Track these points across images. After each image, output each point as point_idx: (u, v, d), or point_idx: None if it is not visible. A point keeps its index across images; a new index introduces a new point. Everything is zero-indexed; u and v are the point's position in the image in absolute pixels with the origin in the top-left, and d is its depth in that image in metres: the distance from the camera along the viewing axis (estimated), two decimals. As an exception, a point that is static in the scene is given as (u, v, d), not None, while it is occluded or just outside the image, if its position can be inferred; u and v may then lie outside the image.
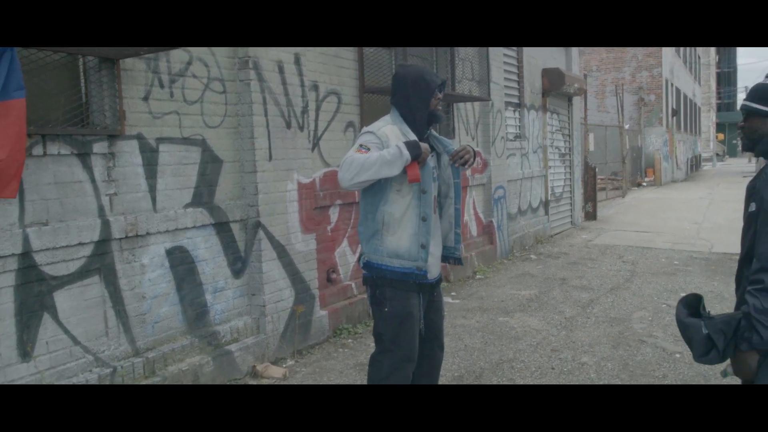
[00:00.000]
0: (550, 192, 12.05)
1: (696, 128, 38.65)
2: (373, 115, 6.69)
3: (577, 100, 13.40)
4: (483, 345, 5.79)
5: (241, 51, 4.96)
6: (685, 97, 33.20)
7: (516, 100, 10.59)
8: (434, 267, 3.27)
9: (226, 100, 4.94)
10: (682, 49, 31.59)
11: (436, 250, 3.28)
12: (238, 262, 5.04)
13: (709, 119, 48.49)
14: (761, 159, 2.47)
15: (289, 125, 5.34)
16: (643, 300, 7.36)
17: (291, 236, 5.36)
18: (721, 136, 53.84)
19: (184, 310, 4.61)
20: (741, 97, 65.86)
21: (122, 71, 4.12)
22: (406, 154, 2.98)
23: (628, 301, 7.34)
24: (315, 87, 5.79)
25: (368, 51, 6.61)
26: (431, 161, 3.21)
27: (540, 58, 11.43)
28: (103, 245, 4.05)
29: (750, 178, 2.53)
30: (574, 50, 13.28)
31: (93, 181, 4.01)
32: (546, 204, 11.88)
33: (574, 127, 13.33)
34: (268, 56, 5.12)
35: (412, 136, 3.15)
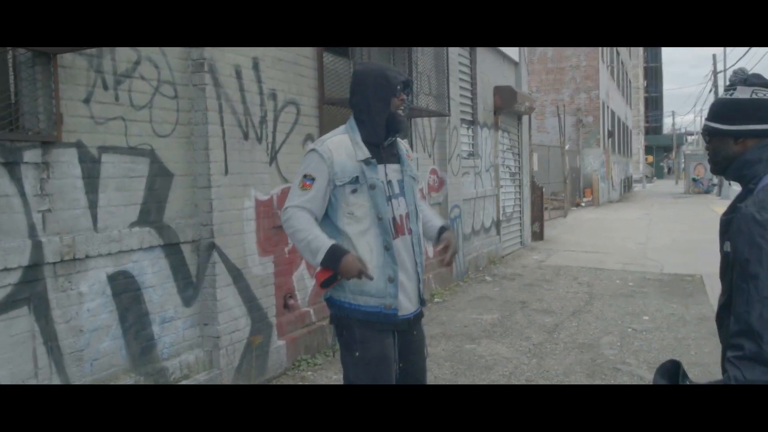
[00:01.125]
0: (501, 211, 11.83)
1: (628, 150, 39.70)
2: (332, 127, 6.24)
3: (526, 119, 13.29)
4: (453, 376, 5.38)
5: (195, 52, 4.45)
6: (619, 119, 34.04)
7: (470, 117, 10.34)
8: (407, 302, 2.80)
9: (178, 106, 4.41)
10: (615, 71, 32.41)
11: (408, 282, 2.80)
12: (189, 289, 4.49)
13: (639, 142, 50.01)
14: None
15: (246, 136, 4.84)
16: (607, 324, 7.12)
17: (248, 259, 4.83)
18: (650, 158, 55.61)
19: (127, 344, 4.02)
20: (667, 121, 68.43)
21: (60, 68, 3.55)
22: (318, 260, 2.63)
23: (592, 325, 7.08)
24: (273, 96, 5.31)
25: (328, 59, 6.18)
26: (394, 173, 2.80)
27: (492, 75, 11.24)
28: (33, 271, 3.45)
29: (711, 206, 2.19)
30: (524, 68, 13.19)
31: (23, 195, 3.42)
32: (498, 224, 11.65)
33: (524, 147, 13.20)
34: (224, 59, 4.62)
35: (362, 149, 2.74)
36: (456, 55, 9.16)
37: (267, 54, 5.14)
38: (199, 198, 4.51)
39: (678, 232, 15.85)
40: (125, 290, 4.00)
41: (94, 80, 3.80)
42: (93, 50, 3.74)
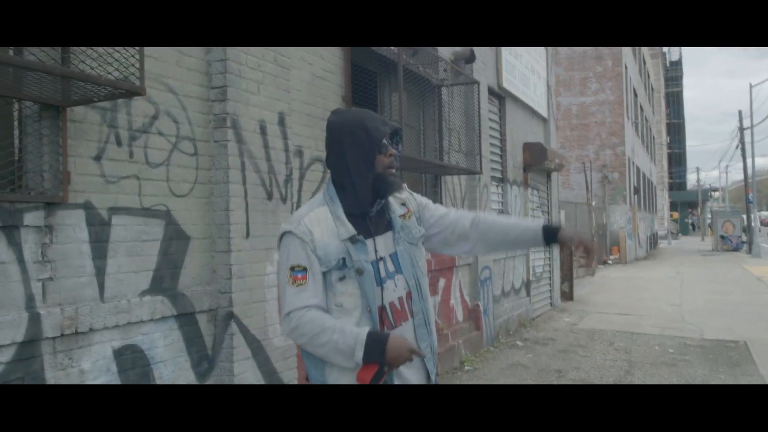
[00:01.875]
0: (531, 271, 11.36)
1: (653, 206, 39.12)
2: (360, 186, 5.91)
3: (555, 176, 12.94)
4: (491, 459, 4.87)
5: (217, 107, 4.16)
6: (644, 175, 33.60)
7: (499, 175, 10.01)
8: None
9: (198, 164, 4.09)
10: (639, 127, 32.12)
11: (413, 376, 2.27)
12: (204, 363, 4.08)
13: (663, 198, 49.40)
14: None
15: (270, 196, 4.50)
16: (653, 398, 6.56)
17: (269, 329, 4.43)
18: (675, 214, 54.87)
19: (133, 427, 3.61)
20: (691, 177, 67.84)
21: (69, 122, 3.25)
22: (358, 357, 2.11)
23: (637, 399, 6.53)
24: (299, 152, 4.99)
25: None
26: (387, 247, 2.30)
27: (521, 131, 10.95)
28: (29, 347, 3.07)
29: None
30: (552, 125, 12.91)
31: (21, 261, 3.07)
32: (528, 284, 11.17)
33: (553, 204, 12.81)
34: (248, 114, 4.32)
35: (346, 226, 2.23)
36: (486, 111, 8.87)
37: (293, 108, 4.85)
38: (217, 263, 4.15)
39: (713, 293, 15.21)
40: (133, 366, 3.61)
41: (107, 136, 3.49)
42: (107, 103, 3.45)
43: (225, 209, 4.13)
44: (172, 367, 3.85)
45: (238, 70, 4.25)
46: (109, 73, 3.02)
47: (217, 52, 4.16)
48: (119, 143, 3.56)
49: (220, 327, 4.14)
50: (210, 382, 4.11)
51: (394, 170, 2.30)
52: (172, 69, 3.91)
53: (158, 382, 3.75)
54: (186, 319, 3.95)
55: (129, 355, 3.59)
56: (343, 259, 2.19)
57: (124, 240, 3.58)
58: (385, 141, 2.25)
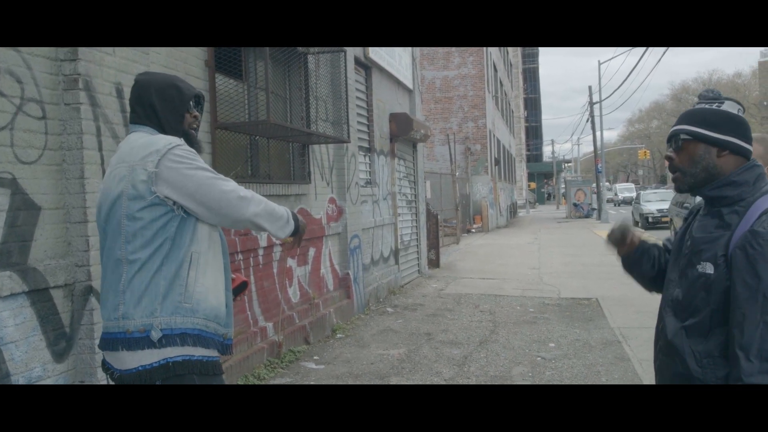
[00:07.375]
0: (399, 240, 11.59)
1: (512, 177, 41.00)
2: (225, 153, 5.74)
3: (421, 147, 13.21)
4: (365, 421, 4.95)
5: (67, 67, 3.86)
6: (504, 148, 35.08)
7: (366, 145, 10.08)
8: None
9: (47, 128, 3.79)
10: (499, 101, 33.44)
11: None
12: (62, 341, 3.83)
13: (521, 169, 51.87)
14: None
15: (129, 163, 4.26)
16: (515, 353, 6.94)
17: (132, 303, 4.22)
18: (533, 184, 57.86)
19: (-18, 413, 3.33)
20: (546, 149, 71.59)
21: None
22: (291, 226, 2.47)
23: (501, 355, 6.88)
24: (160, 118, 4.75)
25: (220, 81, 5.69)
26: None
27: (387, 102, 11.06)
28: None
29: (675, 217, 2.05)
30: (417, 96, 13.13)
31: None
32: (396, 253, 11.39)
33: (419, 174, 13.09)
34: (103, 76, 4.05)
35: None
36: (353, 80, 8.87)
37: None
38: (72, 235, 3.89)
39: (568, 256, 16.22)
40: (-21, 348, 3.32)
41: (-62, 96, 3.16)
42: (-64, 60, 3.11)
43: (79, 177, 3.87)
44: (24, 347, 3.58)
45: (90, 28, 3.96)
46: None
47: (64, 8, 3.85)
48: (-47, 104, 3.23)
49: (78, 302, 3.89)
50: (69, 360, 3.86)
51: (195, 132, 2.47)
52: (13, 24, 3.58)
53: (9, 363, 3.48)
54: (39, 296, 3.67)
55: (-26, 336, 3.30)
56: None
57: (-36, 211, 3.27)
58: (192, 102, 2.42)
